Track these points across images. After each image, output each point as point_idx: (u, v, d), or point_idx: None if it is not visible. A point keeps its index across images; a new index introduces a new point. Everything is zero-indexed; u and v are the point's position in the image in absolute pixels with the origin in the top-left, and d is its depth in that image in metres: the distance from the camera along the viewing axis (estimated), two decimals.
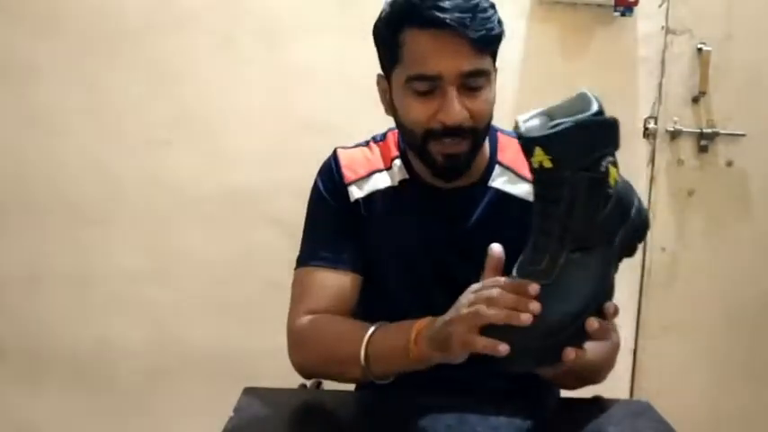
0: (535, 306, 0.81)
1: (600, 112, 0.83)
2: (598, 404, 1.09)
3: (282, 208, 1.97)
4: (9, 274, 1.99)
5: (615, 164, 0.85)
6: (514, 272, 0.87)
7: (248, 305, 2.01)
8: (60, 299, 2.00)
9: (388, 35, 1.09)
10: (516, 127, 0.84)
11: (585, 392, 1.19)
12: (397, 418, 1.01)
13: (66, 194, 1.97)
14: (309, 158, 1.91)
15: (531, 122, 0.85)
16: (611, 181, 0.84)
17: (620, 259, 0.90)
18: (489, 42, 1.05)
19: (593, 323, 0.83)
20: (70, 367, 2.02)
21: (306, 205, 1.24)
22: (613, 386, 1.12)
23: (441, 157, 1.08)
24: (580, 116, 0.82)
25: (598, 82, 1.98)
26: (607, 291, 0.87)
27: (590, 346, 0.87)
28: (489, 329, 0.84)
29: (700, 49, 2.02)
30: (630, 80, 2.03)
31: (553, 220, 0.83)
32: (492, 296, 0.85)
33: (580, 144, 0.81)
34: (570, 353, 0.82)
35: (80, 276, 2.00)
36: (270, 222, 1.99)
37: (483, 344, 0.84)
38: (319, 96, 1.96)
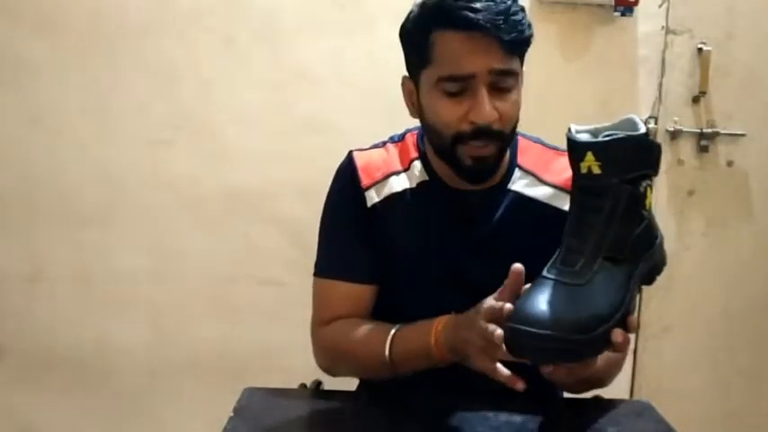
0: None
1: (647, 135, 0.87)
2: (598, 404, 1.10)
3: (282, 208, 1.98)
4: (9, 274, 1.99)
5: (651, 189, 0.88)
6: (545, 272, 0.87)
7: (248, 305, 2.01)
8: (61, 299, 2.00)
9: (417, 36, 1.06)
10: (569, 132, 0.87)
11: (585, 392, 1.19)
12: (397, 419, 1.02)
13: (66, 194, 1.97)
14: (309, 158, 1.93)
15: (581, 134, 0.88)
16: (647, 203, 0.87)
17: (640, 282, 0.91)
18: (520, 44, 1.04)
19: (618, 335, 0.84)
20: (70, 367, 2.02)
21: (309, 206, 1.24)
22: (613, 386, 1.12)
23: (469, 160, 1.06)
24: (631, 132, 0.86)
25: (598, 82, 1.99)
26: (630, 305, 0.88)
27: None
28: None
29: (700, 49, 2.02)
30: (631, 80, 2.03)
31: (591, 227, 0.85)
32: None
33: (629, 157, 0.84)
34: (588, 366, 0.85)
35: (80, 276, 2.00)
36: (270, 222, 1.99)
37: (504, 377, 0.87)
38: (319, 96, 1.96)
